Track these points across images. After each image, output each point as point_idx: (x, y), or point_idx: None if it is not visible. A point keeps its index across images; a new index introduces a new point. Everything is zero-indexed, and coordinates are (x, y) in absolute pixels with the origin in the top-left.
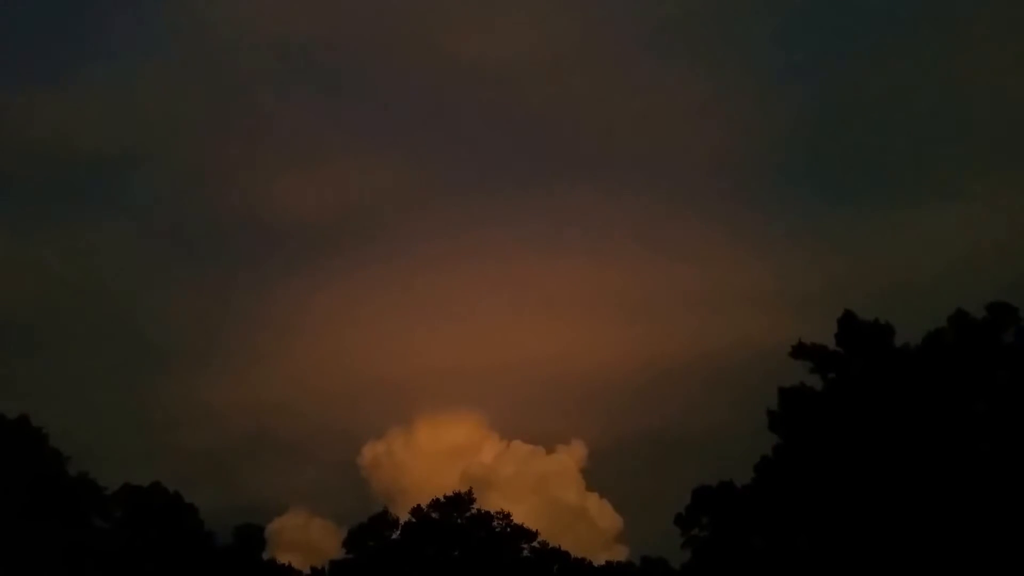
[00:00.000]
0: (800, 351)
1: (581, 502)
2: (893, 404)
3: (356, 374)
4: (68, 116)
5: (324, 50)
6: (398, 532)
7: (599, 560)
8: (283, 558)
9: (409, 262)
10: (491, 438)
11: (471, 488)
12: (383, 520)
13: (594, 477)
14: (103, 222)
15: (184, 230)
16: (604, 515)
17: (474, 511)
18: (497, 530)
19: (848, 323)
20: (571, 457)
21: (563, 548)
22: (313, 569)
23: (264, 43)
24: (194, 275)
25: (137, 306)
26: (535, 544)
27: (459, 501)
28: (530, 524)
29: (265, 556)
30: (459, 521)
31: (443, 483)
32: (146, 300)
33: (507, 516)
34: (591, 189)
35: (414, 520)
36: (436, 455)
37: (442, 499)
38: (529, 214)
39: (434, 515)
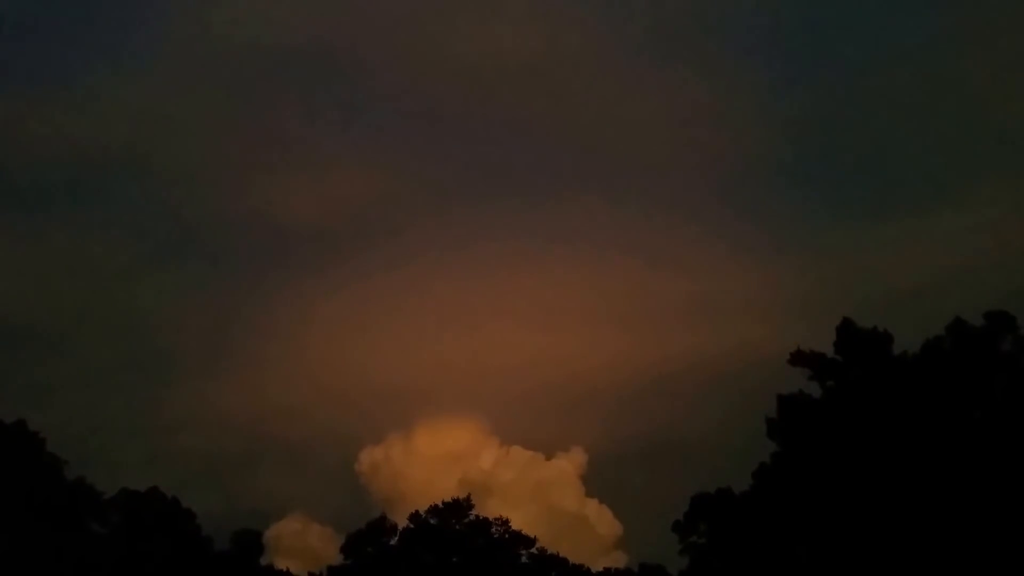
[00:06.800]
0: (798, 358)
1: (580, 508)
2: (891, 411)
3: (356, 379)
4: (72, 117)
5: (330, 53)
6: (396, 538)
7: (598, 566)
8: (281, 564)
9: (410, 269)
10: (490, 444)
11: (470, 494)
12: (381, 526)
13: (593, 483)
14: (106, 225)
15: (188, 233)
16: (603, 521)
17: (473, 517)
18: (496, 536)
19: (846, 331)
20: (570, 463)
21: (562, 554)
22: (311, 575)
23: (269, 46)
24: (197, 278)
25: (138, 309)
26: (534, 550)
27: (458, 507)
28: (529, 530)
29: (263, 562)
30: (457, 527)
31: (442, 489)
32: (147, 303)
33: (506, 522)
34: (589, 197)
35: (412, 526)
36: (435, 461)
37: (441, 505)
38: (528, 222)
39: (432, 521)
